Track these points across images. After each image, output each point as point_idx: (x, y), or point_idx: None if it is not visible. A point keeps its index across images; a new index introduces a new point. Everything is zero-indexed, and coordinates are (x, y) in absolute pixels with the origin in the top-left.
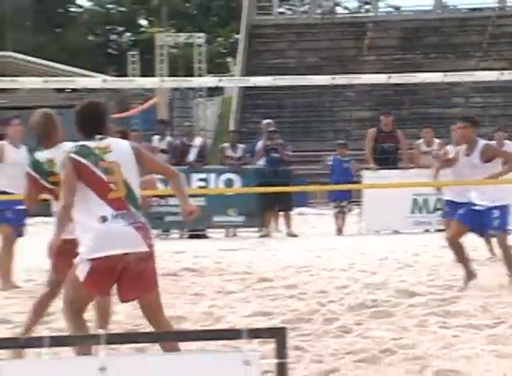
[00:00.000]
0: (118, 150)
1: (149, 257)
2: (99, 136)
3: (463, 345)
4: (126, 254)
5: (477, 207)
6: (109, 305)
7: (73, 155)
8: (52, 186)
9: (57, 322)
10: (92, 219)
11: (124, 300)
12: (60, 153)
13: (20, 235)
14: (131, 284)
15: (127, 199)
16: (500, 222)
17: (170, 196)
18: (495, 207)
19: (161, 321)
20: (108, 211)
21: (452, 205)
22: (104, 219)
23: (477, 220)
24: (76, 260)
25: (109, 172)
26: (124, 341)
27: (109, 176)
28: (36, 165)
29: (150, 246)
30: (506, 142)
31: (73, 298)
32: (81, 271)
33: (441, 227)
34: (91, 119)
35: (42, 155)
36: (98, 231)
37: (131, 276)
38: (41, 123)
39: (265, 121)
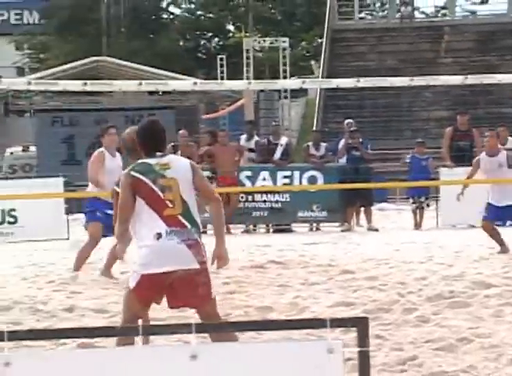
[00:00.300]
0: (178, 166)
1: (200, 272)
2: (159, 154)
3: None
4: (176, 270)
5: None
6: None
7: (132, 172)
8: None
9: (151, 311)
10: (149, 235)
11: (172, 307)
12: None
13: (106, 236)
14: (179, 296)
15: (182, 216)
16: None
17: (256, 192)
18: None
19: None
20: (163, 227)
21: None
22: (159, 236)
23: None
24: (131, 270)
25: (166, 190)
26: (215, 330)
27: (167, 194)
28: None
29: (202, 262)
30: None
31: (124, 309)
32: (133, 280)
33: None
34: (152, 137)
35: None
36: (152, 248)
37: (185, 289)
38: (131, 139)
39: (347, 121)
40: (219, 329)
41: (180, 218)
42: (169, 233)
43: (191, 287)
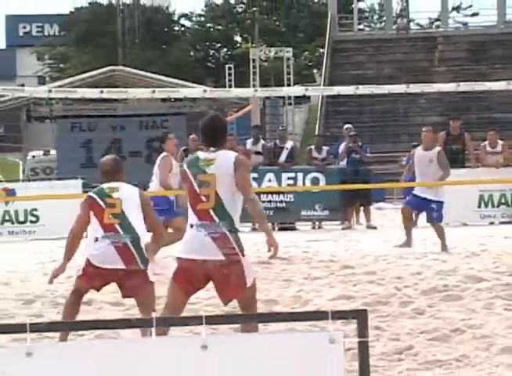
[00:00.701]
0: (221, 162)
1: (230, 263)
2: (213, 149)
3: None
4: (205, 261)
5: None
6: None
7: (184, 165)
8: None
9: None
10: (188, 224)
11: (223, 302)
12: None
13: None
14: (221, 289)
15: (213, 210)
16: None
17: (262, 193)
18: None
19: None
20: (194, 220)
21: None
22: (191, 227)
23: None
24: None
25: (204, 185)
26: (224, 322)
27: (203, 189)
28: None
29: (228, 254)
30: None
31: (167, 297)
32: (173, 268)
33: (505, 220)
34: (208, 133)
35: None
36: (187, 236)
37: (219, 281)
38: (109, 165)
39: (346, 126)
40: (228, 321)
41: (211, 212)
42: (198, 226)
43: (222, 278)
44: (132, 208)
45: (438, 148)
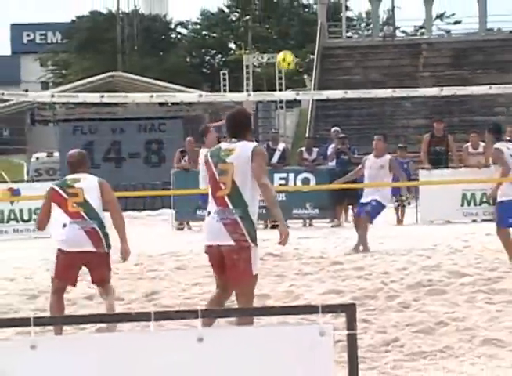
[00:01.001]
0: (240, 152)
1: (240, 249)
2: (234, 140)
3: (506, 317)
4: (219, 246)
5: None
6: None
7: (207, 154)
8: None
9: (162, 299)
10: (207, 211)
11: (233, 285)
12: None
13: None
14: (230, 273)
15: (228, 197)
16: None
17: None
18: None
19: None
20: (213, 207)
21: None
22: (209, 214)
23: None
24: None
25: (223, 173)
26: (219, 316)
27: (222, 177)
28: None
29: (237, 240)
30: None
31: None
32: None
33: (487, 217)
34: (231, 125)
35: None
36: (205, 223)
37: (229, 266)
38: (74, 156)
39: (333, 129)
40: (223, 315)
41: (226, 198)
42: (215, 212)
43: (231, 263)
44: (94, 197)
45: (388, 156)
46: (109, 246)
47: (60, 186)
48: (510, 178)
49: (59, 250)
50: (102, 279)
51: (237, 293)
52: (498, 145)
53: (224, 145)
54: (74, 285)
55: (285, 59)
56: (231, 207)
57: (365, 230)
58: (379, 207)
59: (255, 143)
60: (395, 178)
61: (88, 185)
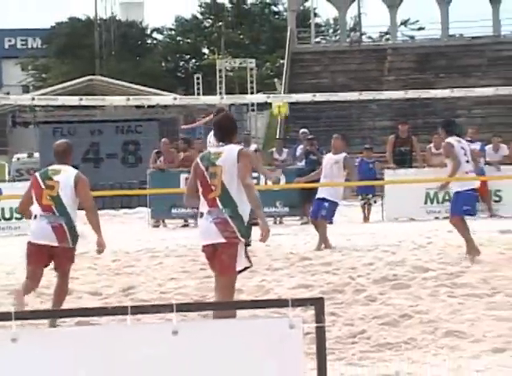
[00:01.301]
0: (227, 155)
1: (226, 245)
2: (222, 143)
3: (467, 310)
4: (213, 244)
5: None
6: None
7: (198, 158)
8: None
9: (138, 294)
10: (200, 213)
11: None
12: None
13: None
14: (216, 264)
15: (219, 198)
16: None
17: None
18: None
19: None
20: (205, 208)
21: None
22: (202, 215)
23: None
24: None
25: (213, 176)
26: (193, 310)
27: (212, 179)
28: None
29: (228, 237)
30: (502, 145)
31: None
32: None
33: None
34: (218, 129)
35: (212, 149)
36: (199, 225)
37: (217, 258)
38: (60, 146)
39: (302, 131)
40: (198, 309)
41: (217, 199)
42: (207, 213)
43: (218, 256)
44: (68, 193)
45: (344, 154)
46: (74, 241)
47: (41, 176)
48: (461, 178)
49: (28, 242)
50: (62, 271)
51: (219, 285)
52: (449, 139)
53: (213, 149)
54: (45, 267)
55: (280, 110)
56: (221, 207)
57: (325, 229)
58: (332, 207)
59: (241, 146)
60: (365, 176)
61: (65, 180)
